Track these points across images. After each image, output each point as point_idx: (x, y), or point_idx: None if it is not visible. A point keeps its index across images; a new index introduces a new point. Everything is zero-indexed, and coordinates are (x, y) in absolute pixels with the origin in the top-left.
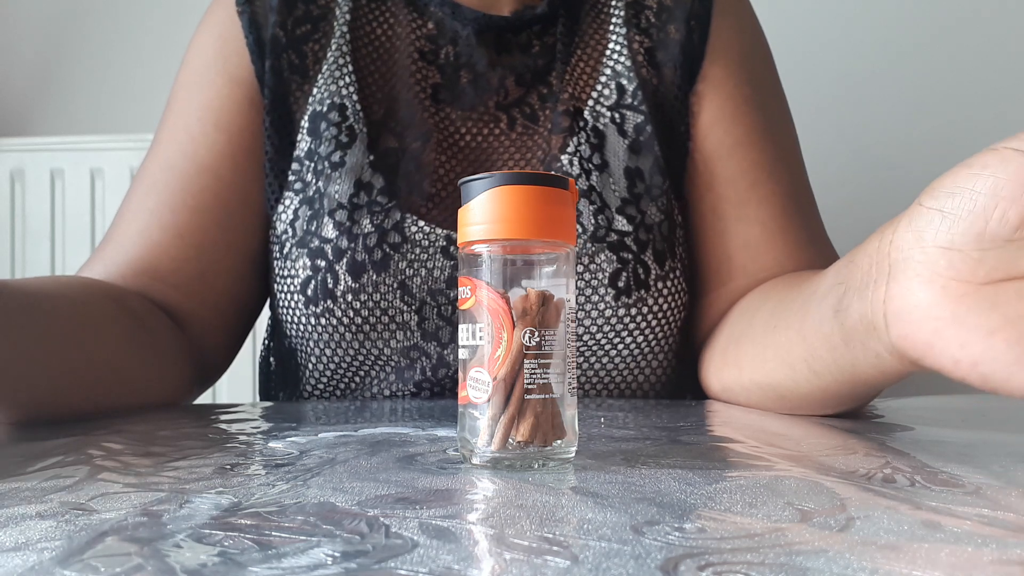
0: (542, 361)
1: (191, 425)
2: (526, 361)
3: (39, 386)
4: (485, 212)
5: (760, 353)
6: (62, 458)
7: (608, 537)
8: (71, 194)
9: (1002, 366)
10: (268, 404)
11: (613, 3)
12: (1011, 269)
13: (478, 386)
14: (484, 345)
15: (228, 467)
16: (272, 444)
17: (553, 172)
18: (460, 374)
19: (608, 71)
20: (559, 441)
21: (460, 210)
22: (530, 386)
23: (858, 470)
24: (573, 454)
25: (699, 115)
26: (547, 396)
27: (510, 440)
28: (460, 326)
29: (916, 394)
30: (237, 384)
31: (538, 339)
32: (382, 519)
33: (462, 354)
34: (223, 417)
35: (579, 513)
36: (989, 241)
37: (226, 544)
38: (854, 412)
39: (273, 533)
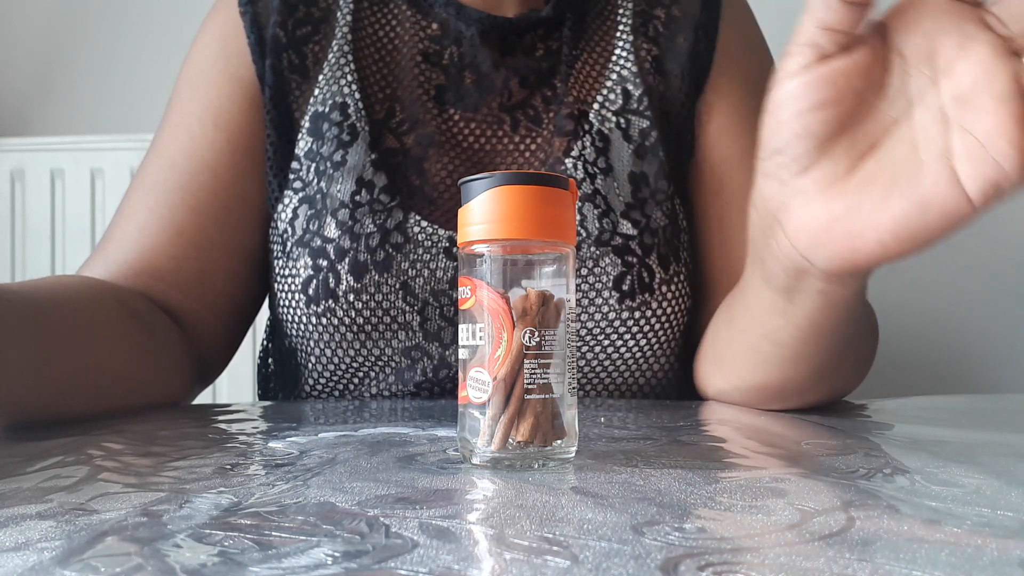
0: (542, 361)
1: (191, 425)
2: (526, 361)
3: (39, 388)
4: (485, 212)
5: (728, 349)
6: (62, 458)
7: (608, 537)
8: (71, 194)
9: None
10: (268, 404)
11: (620, 12)
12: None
13: (478, 386)
14: (484, 345)
15: (228, 467)
16: (272, 444)
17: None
18: (460, 374)
19: (614, 76)
20: (559, 441)
21: (460, 210)
22: (530, 386)
23: (858, 470)
24: (573, 454)
25: (707, 124)
26: (547, 396)
27: (510, 440)
28: (460, 326)
29: (916, 394)
30: (237, 384)
31: (538, 339)
32: (382, 519)
33: (462, 354)
34: (223, 417)
35: (579, 513)
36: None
37: (226, 544)
38: (846, 408)
39: (273, 533)
